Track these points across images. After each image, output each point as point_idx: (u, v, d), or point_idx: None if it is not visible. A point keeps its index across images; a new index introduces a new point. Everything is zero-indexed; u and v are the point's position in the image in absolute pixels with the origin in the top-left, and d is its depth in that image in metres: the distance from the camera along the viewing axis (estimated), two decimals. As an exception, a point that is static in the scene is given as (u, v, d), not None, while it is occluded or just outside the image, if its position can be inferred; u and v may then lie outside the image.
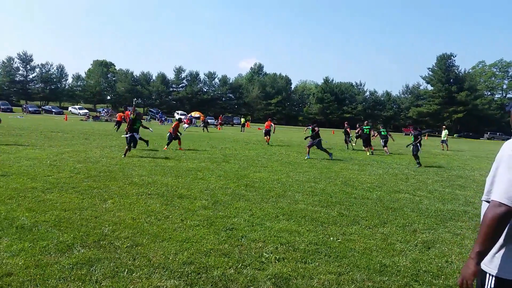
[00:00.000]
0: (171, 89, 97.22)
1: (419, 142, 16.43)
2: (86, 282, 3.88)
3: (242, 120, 51.02)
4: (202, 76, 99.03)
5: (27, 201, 6.74)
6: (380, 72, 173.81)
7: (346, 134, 24.84)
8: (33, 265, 4.16)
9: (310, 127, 17.40)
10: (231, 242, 5.29)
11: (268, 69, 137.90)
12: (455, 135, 77.70)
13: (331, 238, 5.78)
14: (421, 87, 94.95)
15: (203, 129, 38.72)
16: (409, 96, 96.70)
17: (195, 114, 69.32)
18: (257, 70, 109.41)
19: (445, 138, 30.05)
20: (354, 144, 25.49)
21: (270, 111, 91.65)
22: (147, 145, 16.71)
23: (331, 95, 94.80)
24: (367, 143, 21.90)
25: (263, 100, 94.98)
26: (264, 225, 6.22)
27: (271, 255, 4.93)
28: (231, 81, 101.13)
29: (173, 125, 18.50)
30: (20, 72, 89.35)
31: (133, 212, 6.52)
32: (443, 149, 29.32)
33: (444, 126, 32.36)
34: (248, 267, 4.50)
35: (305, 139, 18.66)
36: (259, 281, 4.17)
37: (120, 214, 6.30)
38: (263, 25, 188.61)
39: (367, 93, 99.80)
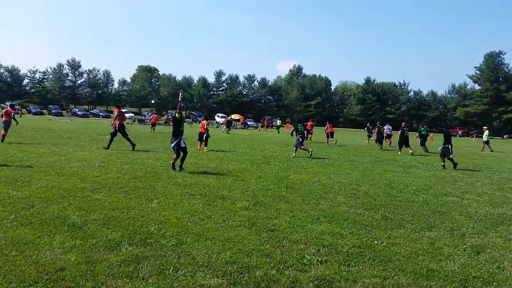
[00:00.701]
0: (211, 93, 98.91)
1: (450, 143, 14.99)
2: (134, 278, 4.02)
3: (279, 122, 50.58)
4: (241, 79, 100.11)
5: (78, 200, 7.09)
6: (425, 72, 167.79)
7: (375, 133, 25.46)
8: (84, 262, 4.37)
9: (371, 126, 17.16)
10: (273, 243, 5.31)
11: (308, 71, 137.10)
12: (505, 136, 73.50)
13: (375, 242, 5.65)
14: (468, 87, 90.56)
15: (227, 131, 37.44)
16: (456, 96, 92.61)
17: (235, 116, 70.12)
18: (296, 71, 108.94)
19: (486, 139, 28.58)
20: (367, 142, 25.43)
21: (309, 113, 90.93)
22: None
23: (373, 95, 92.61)
24: (406, 144, 21.43)
25: (303, 101, 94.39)
26: (306, 227, 6.19)
27: (313, 257, 4.89)
28: (270, 83, 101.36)
29: (202, 123, 19.17)
30: (69, 78, 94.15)
31: (177, 211, 6.69)
32: (482, 150, 27.92)
33: (485, 127, 30.72)
34: (290, 269, 4.49)
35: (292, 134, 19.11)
36: (301, 283, 4.15)
37: (165, 214, 6.49)
38: (301, 27, 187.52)
39: (411, 93, 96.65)
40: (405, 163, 16.62)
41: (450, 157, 14.98)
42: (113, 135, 16.10)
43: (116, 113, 16.68)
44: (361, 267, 4.70)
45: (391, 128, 28.64)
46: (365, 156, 19.08)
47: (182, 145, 10.95)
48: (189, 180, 9.70)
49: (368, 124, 27.95)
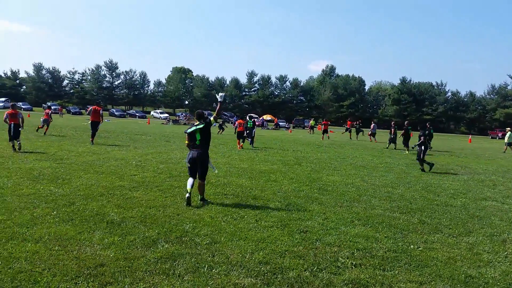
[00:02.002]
0: (243, 93, 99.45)
1: (425, 143, 13.99)
2: (170, 276, 4.13)
3: (312, 122, 49.84)
4: (273, 79, 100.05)
5: (116, 198, 7.33)
6: (463, 72, 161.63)
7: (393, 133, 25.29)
8: (122, 258, 4.52)
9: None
10: (306, 245, 5.30)
11: (341, 71, 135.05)
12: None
13: (412, 246, 5.53)
14: (509, 87, 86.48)
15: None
16: (495, 96, 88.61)
17: (267, 117, 70.21)
18: (329, 72, 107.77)
19: (508, 141, 27.31)
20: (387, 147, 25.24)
21: (342, 114, 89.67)
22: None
23: (409, 96, 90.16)
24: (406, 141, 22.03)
25: (335, 102, 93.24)
26: (339, 229, 6.13)
27: (347, 260, 4.85)
28: (302, 84, 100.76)
29: (237, 122, 20.91)
30: (107, 79, 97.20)
31: (211, 211, 6.80)
32: (504, 152, 26.68)
33: (509, 128, 29.36)
34: (323, 271, 4.47)
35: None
36: (335, 286, 4.13)
37: (199, 213, 6.61)
38: (334, 26, 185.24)
39: (449, 93, 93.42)
40: (443, 165, 16.10)
41: (422, 157, 13.99)
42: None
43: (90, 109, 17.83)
44: (396, 271, 4.61)
45: (376, 126, 32.40)
46: (401, 158, 18.63)
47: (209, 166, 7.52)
48: (222, 180, 9.82)
49: (392, 124, 27.42)
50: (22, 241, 4.82)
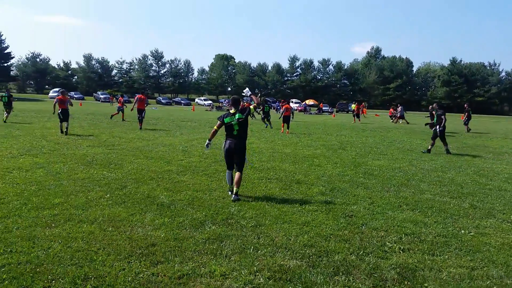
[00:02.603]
0: (285, 78, 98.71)
1: (442, 124, 13.44)
2: (217, 256, 4.25)
3: (353, 106, 47.66)
4: (316, 63, 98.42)
5: (165, 182, 7.60)
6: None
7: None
8: (172, 238, 4.70)
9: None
10: (351, 229, 5.25)
11: (386, 52, 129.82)
12: None
13: (463, 231, 5.33)
14: None
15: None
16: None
17: (309, 102, 69.36)
18: (374, 53, 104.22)
19: None
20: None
21: (388, 97, 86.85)
22: None
23: (460, 77, 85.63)
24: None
25: (381, 85, 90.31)
26: (386, 214, 6.02)
27: (395, 244, 4.76)
28: (345, 67, 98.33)
29: (284, 106, 20.84)
30: (153, 68, 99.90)
31: (255, 194, 6.89)
32: None
33: None
34: (370, 255, 4.43)
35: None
36: (382, 270, 4.08)
37: (244, 196, 6.72)
38: (379, 5, 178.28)
39: (503, 73, 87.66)
40: (495, 149, 15.26)
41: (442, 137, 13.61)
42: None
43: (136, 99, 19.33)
44: (446, 256, 4.48)
45: (403, 108, 34.44)
46: (452, 142, 17.83)
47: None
48: (266, 164, 9.89)
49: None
50: (78, 222, 5.13)
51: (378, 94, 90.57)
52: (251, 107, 7.07)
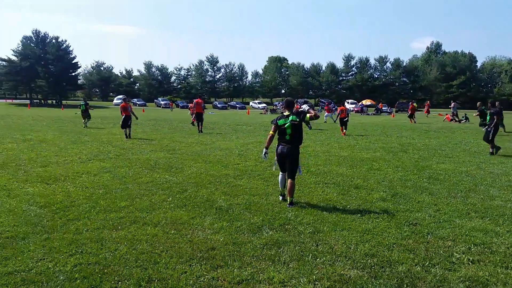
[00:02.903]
0: (340, 78, 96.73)
1: (492, 124, 12.82)
2: (275, 262, 4.24)
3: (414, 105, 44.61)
4: (372, 61, 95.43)
5: (223, 186, 7.74)
6: None
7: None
8: (231, 242, 4.76)
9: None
10: (416, 238, 5.00)
11: (448, 47, 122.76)
12: None
13: (542, 243, 4.88)
14: None
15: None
16: None
17: (366, 102, 67.42)
18: (435, 49, 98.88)
19: None
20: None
21: (452, 94, 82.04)
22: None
23: (531, 71, 78.94)
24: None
25: (443, 82, 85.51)
26: (453, 222, 5.67)
27: (463, 255, 4.47)
28: (404, 64, 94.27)
29: (339, 108, 20.87)
30: (209, 73, 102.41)
31: (312, 199, 6.80)
32: None
33: None
34: (436, 266, 4.19)
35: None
36: (450, 282, 3.84)
37: (301, 201, 6.66)
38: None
39: None
40: None
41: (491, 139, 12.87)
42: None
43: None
44: (524, 271, 4.12)
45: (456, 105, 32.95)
46: (525, 142, 16.48)
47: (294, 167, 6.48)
48: (322, 168, 9.74)
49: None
50: (143, 224, 5.37)
51: (440, 91, 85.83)
52: (308, 115, 6.55)
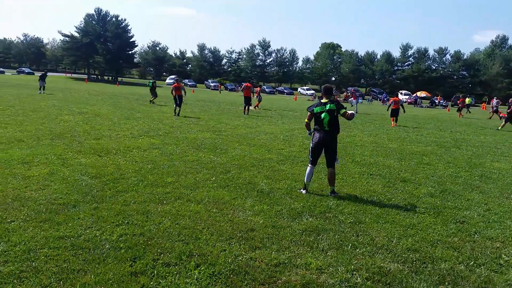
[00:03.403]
0: (395, 68, 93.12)
1: None
2: (314, 248, 4.24)
3: (468, 100, 41.73)
4: (431, 52, 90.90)
5: (265, 169, 7.79)
6: None
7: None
8: (270, 225, 4.81)
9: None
10: (462, 237, 4.81)
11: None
12: None
13: None
14: None
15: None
16: None
17: (421, 94, 64.59)
18: (500, 43, 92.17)
19: None
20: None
21: (515, 91, 76.54)
22: None
23: None
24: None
25: (506, 78, 79.82)
26: (504, 223, 5.38)
27: (512, 258, 4.24)
28: (465, 57, 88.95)
29: (392, 99, 20.35)
30: (260, 57, 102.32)
31: (355, 190, 6.69)
32: None
33: None
34: (482, 267, 4.01)
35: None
36: (495, 285, 3.68)
37: (343, 190, 6.58)
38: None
39: None
40: None
41: None
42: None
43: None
44: None
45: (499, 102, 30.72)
46: None
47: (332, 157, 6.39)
48: (368, 159, 9.52)
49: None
50: (186, 201, 5.54)
51: (502, 87, 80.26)
52: (342, 111, 6.21)
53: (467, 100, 42.74)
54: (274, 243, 4.32)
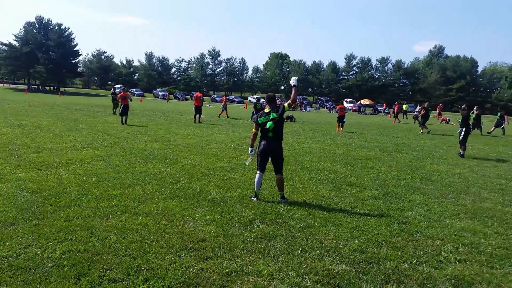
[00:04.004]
0: (341, 77, 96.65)
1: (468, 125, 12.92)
2: (265, 255, 4.26)
3: (405, 106, 43.70)
4: (374, 62, 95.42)
5: (216, 178, 7.75)
6: None
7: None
8: (222, 234, 4.77)
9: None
10: (405, 236, 5.04)
11: (450, 51, 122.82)
12: None
13: (528, 245, 4.94)
14: None
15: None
16: None
17: (364, 101, 67.47)
18: (437, 52, 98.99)
19: None
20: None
21: (450, 97, 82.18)
22: None
23: (531, 78, 79.04)
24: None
25: (443, 85, 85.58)
26: (443, 222, 5.71)
27: (451, 255, 4.51)
28: (405, 66, 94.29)
29: (338, 106, 21.50)
30: (210, 66, 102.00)
31: (304, 195, 6.82)
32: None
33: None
34: (424, 264, 4.23)
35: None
36: (436, 280, 3.88)
37: (293, 196, 6.68)
38: (443, 2, 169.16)
39: None
40: None
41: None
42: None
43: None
44: (507, 270, 4.18)
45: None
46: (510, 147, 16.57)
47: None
48: (316, 165, 9.76)
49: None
50: (134, 214, 5.36)
51: (439, 95, 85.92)
52: (286, 104, 6.39)
53: (404, 106, 45.18)
54: (225, 252, 4.29)
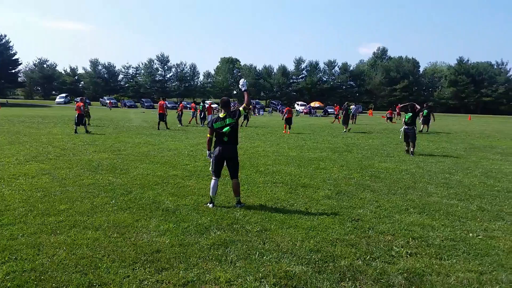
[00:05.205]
0: (291, 81, 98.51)
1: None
2: (222, 262, 4.21)
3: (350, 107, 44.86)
4: (321, 65, 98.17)
5: (170, 187, 7.58)
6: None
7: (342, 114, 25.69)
8: (177, 244, 4.67)
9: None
10: (358, 234, 5.19)
11: (393, 53, 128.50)
12: None
13: (471, 234, 5.26)
14: None
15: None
16: None
17: (315, 104, 69.16)
18: (381, 54, 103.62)
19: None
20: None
21: (395, 98, 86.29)
22: None
23: (467, 77, 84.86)
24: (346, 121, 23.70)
25: (387, 86, 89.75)
26: (393, 217, 5.95)
27: (402, 249, 4.70)
28: (351, 68, 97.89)
29: (286, 109, 22.62)
30: (159, 72, 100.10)
31: (260, 199, 6.85)
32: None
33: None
34: (377, 260, 4.37)
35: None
36: (389, 275, 4.02)
37: (249, 200, 6.68)
38: (386, 5, 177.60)
39: (511, 72, 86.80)
40: (504, 150, 15.09)
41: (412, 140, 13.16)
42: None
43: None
44: (454, 260, 4.41)
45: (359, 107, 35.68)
46: (458, 143, 17.70)
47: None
48: (271, 168, 9.85)
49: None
50: (83, 228, 5.12)
51: (384, 95, 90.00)
52: (241, 108, 6.43)
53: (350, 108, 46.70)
54: (181, 262, 4.20)
